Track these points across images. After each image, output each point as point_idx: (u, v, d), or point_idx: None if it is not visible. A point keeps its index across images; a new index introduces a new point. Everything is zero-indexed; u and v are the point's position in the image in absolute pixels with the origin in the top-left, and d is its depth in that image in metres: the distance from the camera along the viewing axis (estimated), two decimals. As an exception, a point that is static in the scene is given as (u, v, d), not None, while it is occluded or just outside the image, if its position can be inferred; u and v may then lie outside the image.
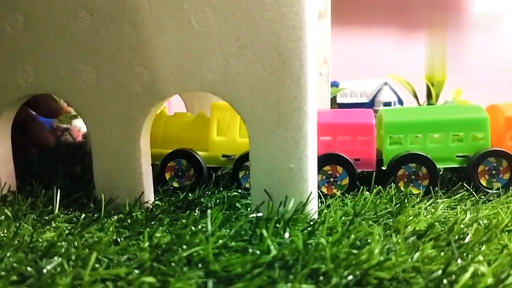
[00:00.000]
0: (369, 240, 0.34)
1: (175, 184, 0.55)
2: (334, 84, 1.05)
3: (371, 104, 1.03)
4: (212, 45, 0.42)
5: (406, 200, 0.44)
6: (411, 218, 0.40)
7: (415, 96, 1.05)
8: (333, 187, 0.51)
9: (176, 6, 0.42)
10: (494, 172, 0.50)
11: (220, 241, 0.34)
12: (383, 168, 0.52)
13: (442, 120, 0.51)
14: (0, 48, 0.46)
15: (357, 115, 0.55)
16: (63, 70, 0.45)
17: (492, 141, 0.52)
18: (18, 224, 0.39)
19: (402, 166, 0.50)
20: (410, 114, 0.53)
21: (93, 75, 0.44)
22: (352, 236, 0.35)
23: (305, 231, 0.37)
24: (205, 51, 0.42)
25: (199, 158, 0.54)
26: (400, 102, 1.04)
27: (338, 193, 0.50)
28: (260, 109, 0.41)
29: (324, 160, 0.51)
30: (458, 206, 0.44)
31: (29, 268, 0.31)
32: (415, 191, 0.50)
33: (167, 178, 0.55)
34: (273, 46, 0.40)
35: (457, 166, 0.51)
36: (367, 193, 0.47)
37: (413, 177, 0.50)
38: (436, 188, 0.49)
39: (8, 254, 0.32)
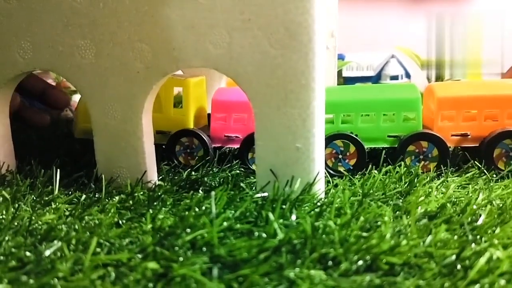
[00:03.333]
0: (379, 223, 0.33)
1: None
2: (340, 57, 1.02)
3: (377, 77, 1.01)
4: (215, 19, 0.40)
5: (416, 180, 0.43)
6: (421, 198, 0.39)
7: (427, 78, 1.03)
8: None
9: (177, -23, 0.40)
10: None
11: (225, 223, 0.33)
12: None
13: (373, 100, 0.50)
14: (-5, 23, 0.44)
15: None
16: (61, 46, 0.43)
17: (427, 122, 0.51)
18: (16, 206, 0.38)
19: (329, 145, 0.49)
20: (342, 94, 0.52)
21: (92, 51, 0.42)
22: (362, 218, 0.33)
23: (312, 212, 0.36)
24: (208, 25, 0.40)
25: None
26: (408, 75, 1.01)
27: None
28: (266, 86, 0.40)
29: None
30: (470, 186, 0.43)
31: (28, 253, 0.30)
32: (342, 169, 0.49)
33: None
34: (279, 19, 0.38)
35: (389, 146, 0.50)
36: (375, 172, 0.46)
37: (340, 156, 0.49)
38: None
39: (6, 238, 0.32)
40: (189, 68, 0.42)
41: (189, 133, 0.53)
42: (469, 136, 0.49)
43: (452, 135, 0.49)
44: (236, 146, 0.52)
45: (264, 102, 0.40)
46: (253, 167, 0.50)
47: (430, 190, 0.41)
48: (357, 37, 1.14)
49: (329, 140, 0.49)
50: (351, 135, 0.49)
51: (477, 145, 0.49)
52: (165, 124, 0.54)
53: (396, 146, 0.49)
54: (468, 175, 0.45)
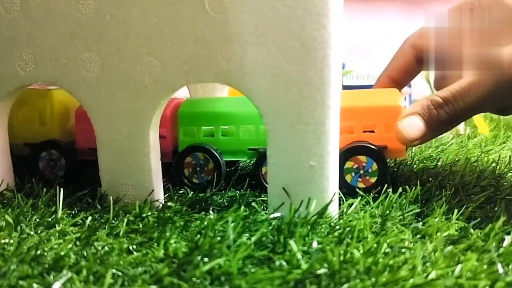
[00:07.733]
0: (403, 250, 0.32)
1: None
2: (340, 66, 1.01)
3: (378, 86, 1.00)
4: (227, 32, 0.38)
5: (432, 199, 0.41)
6: (441, 221, 0.37)
7: (428, 80, 1.01)
8: None
9: (189, -11, 0.38)
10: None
11: (243, 249, 0.31)
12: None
13: (233, 112, 0.49)
14: (-5, 33, 0.42)
15: None
16: (64, 59, 0.41)
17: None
18: (20, 228, 0.36)
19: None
20: (205, 106, 0.51)
21: (98, 64, 0.41)
22: (385, 245, 0.32)
23: (331, 236, 0.35)
24: (220, 39, 0.38)
25: None
26: (409, 84, 1.00)
27: None
28: (280, 103, 0.38)
29: None
30: (487, 206, 0.42)
31: (35, 285, 0.28)
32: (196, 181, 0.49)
33: None
34: (294, 34, 0.37)
35: (248, 159, 0.50)
36: (390, 190, 0.44)
37: (198, 168, 0.49)
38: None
39: (12, 268, 0.30)
40: (200, 83, 0.40)
41: (53, 145, 0.51)
42: None
43: None
44: None
45: (277, 119, 0.39)
46: None
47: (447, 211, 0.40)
48: (357, 45, 1.13)
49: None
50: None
51: None
52: (32, 137, 0.52)
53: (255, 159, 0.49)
54: (484, 193, 0.43)
